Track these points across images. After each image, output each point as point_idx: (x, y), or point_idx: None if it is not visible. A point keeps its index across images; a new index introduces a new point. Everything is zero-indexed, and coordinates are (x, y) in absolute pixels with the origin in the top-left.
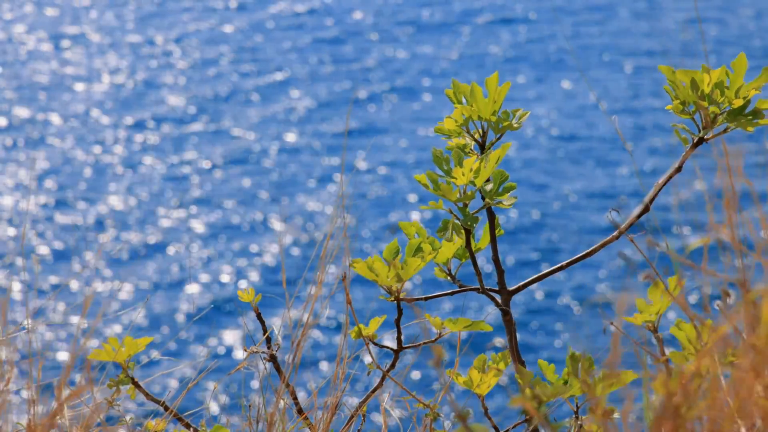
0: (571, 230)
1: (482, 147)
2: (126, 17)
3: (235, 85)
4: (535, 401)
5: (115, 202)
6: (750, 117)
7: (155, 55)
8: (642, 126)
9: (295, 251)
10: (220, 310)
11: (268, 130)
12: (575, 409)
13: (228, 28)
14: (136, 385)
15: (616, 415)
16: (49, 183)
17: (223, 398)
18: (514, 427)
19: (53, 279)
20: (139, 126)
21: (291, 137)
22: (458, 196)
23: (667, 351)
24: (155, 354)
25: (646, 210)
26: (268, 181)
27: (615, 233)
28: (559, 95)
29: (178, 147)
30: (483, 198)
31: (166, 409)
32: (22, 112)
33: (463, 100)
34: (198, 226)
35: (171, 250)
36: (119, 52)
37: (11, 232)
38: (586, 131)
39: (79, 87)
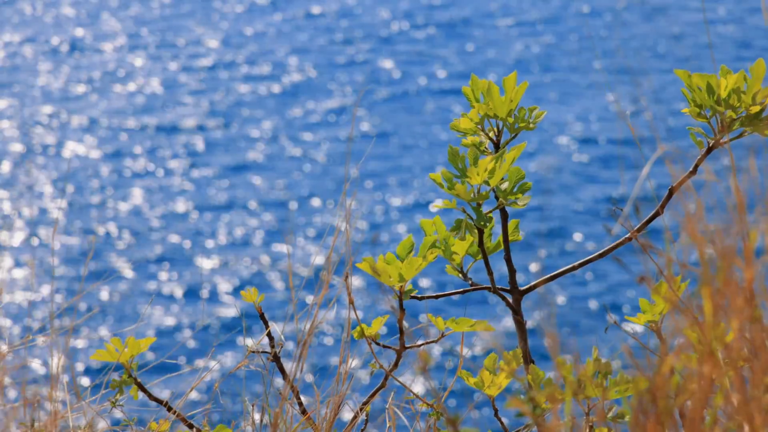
0: (589, 236)
1: (497, 146)
2: (140, 20)
3: (250, 89)
4: (531, 404)
5: (131, 206)
6: (767, 121)
7: (170, 58)
8: (669, 129)
9: (319, 258)
10: (233, 318)
11: (283, 133)
12: (587, 411)
13: (246, 31)
14: (139, 385)
15: (626, 419)
16: (68, 187)
17: (227, 398)
18: (524, 428)
19: (70, 283)
20: (156, 129)
21: (307, 140)
22: (472, 195)
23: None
24: (182, 359)
25: (657, 214)
26: (284, 186)
27: (627, 235)
28: (581, 99)
29: (194, 151)
30: (497, 198)
31: (170, 409)
32: (36, 116)
33: (481, 98)
34: (217, 231)
35: (189, 255)
36: (133, 54)
37: (25, 237)
38: (606, 135)
39: (93, 90)
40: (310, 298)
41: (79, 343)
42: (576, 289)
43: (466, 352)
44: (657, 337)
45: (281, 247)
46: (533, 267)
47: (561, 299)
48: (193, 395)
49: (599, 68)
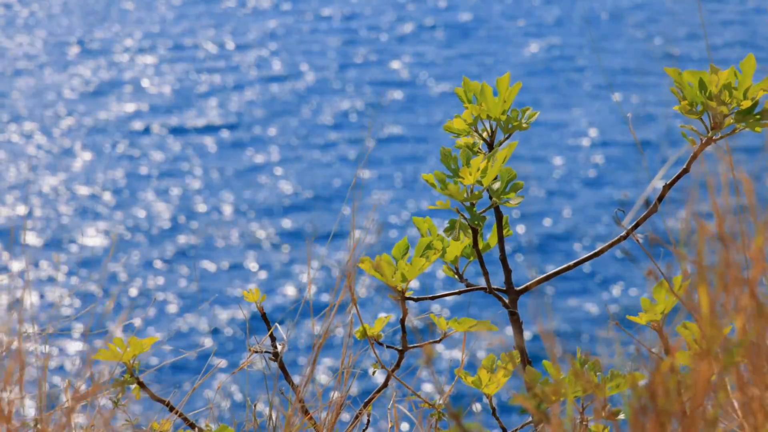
0: (603, 237)
1: (490, 146)
2: (154, 22)
3: (260, 91)
4: (535, 401)
5: (146, 209)
6: (758, 117)
7: (180, 59)
8: (676, 132)
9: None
10: (249, 320)
11: (293, 135)
12: (581, 410)
13: (256, 32)
14: (141, 385)
15: (621, 416)
16: (82, 189)
17: (229, 398)
18: (521, 427)
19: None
20: (173, 132)
21: (318, 142)
22: (465, 195)
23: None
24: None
25: (653, 210)
26: (293, 188)
27: (623, 233)
28: (593, 100)
29: (209, 154)
30: (490, 197)
31: (171, 409)
32: (52, 118)
33: (473, 99)
34: (230, 233)
35: (200, 257)
36: (147, 57)
37: (38, 239)
38: (615, 137)
39: (104, 91)
40: (321, 300)
41: (89, 344)
42: (586, 293)
43: (481, 354)
44: (659, 336)
45: (292, 250)
46: (547, 269)
47: (571, 302)
48: (201, 395)
49: (616, 69)
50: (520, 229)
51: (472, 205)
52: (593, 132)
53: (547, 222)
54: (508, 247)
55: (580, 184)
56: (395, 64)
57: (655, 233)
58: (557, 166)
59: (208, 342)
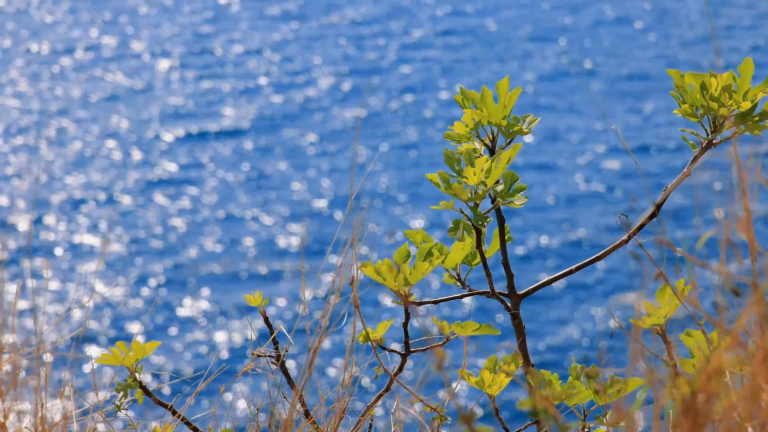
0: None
1: (492, 152)
2: (169, 28)
3: (269, 98)
4: (545, 403)
5: (157, 215)
6: (757, 119)
7: (190, 67)
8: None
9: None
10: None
11: (301, 142)
12: (582, 417)
13: (265, 40)
14: (144, 389)
15: (622, 424)
16: (100, 195)
17: (231, 401)
18: (525, 427)
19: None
20: (186, 139)
21: (327, 149)
22: (469, 195)
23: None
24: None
25: (654, 214)
26: (301, 195)
27: (624, 237)
28: (606, 108)
29: (221, 159)
30: (493, 200)
31: (174, 413)
32: (65, 124)
33: (472, 106)
34: (239, 240)
35: (208, 263)
36: (154, 63)
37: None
38: (633, 144)
39: (116, 98)
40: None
41: (96, 350)
42: (592, 297)
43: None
44: (662, 340)
45: (308, 257)
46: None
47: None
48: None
49: (625, 76)
50: (528, 234)
51: (476, 205)
52: (614, 139)
53: (554, 229)
54: (513, 253)
55: (589, 190)
56: (405, 69)
57: (663, 238)
58: (566, 172)
59: (227, 347)
